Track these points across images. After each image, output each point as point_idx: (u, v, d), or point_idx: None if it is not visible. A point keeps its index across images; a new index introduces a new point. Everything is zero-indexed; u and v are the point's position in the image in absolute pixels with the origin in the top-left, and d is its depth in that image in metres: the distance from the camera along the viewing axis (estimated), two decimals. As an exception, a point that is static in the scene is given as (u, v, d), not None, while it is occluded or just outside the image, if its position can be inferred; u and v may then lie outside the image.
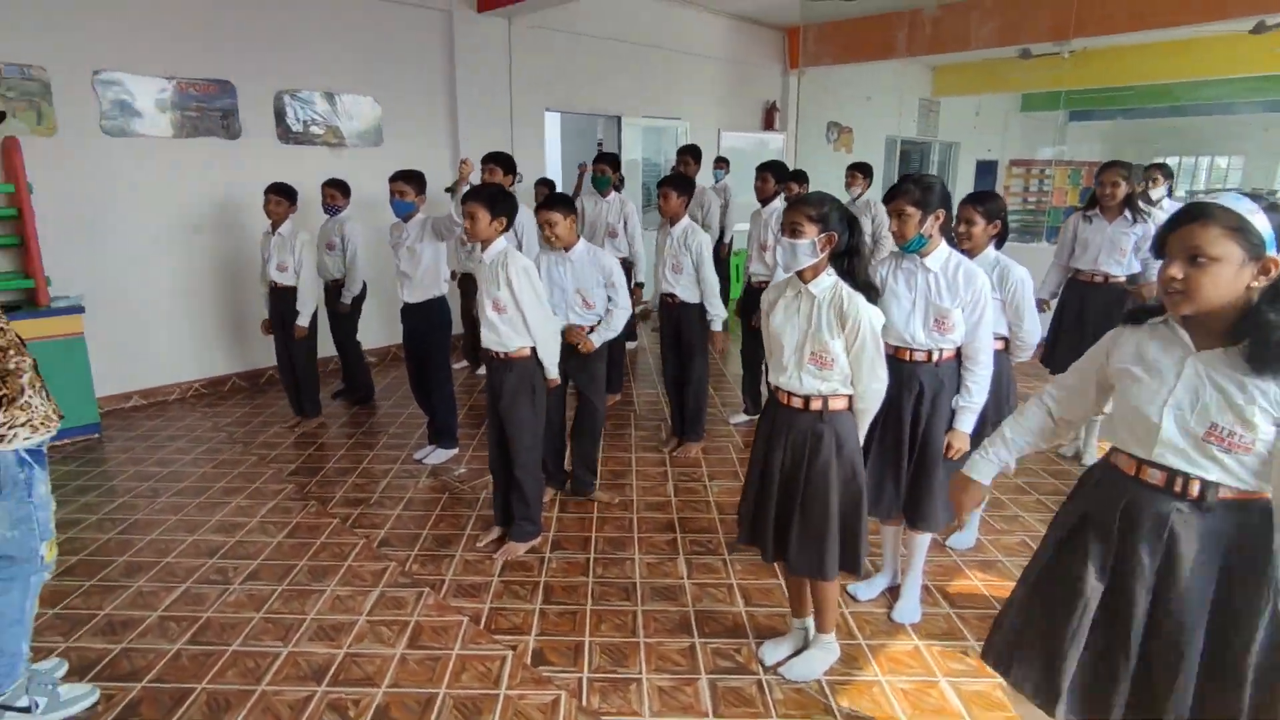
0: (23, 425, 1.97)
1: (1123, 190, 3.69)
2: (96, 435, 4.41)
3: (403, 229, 3.91)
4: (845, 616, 2.63)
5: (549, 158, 7.61)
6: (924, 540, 2.62)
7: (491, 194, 2.93)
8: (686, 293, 3.89)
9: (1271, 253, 1.30)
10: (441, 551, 3.10)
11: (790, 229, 2.05)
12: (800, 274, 2.10)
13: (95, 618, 2.61)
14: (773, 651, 2.40)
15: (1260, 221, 1.29)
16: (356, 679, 2.30)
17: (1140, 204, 3.77)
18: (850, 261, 2.09)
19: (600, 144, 8.10)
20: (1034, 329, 2.67)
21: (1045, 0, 6.99)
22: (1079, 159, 11.20)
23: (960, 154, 11.99)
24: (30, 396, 2.02)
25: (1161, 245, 1.39)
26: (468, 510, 3.47)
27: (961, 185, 12.09)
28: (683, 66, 8.15)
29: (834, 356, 2.07)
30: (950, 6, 7.67)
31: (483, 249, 2.96)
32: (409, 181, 3.85)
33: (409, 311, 3.97)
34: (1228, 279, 1.31)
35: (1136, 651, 1.43)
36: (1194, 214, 1.33)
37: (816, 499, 2.13)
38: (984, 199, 2.67)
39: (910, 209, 2.29)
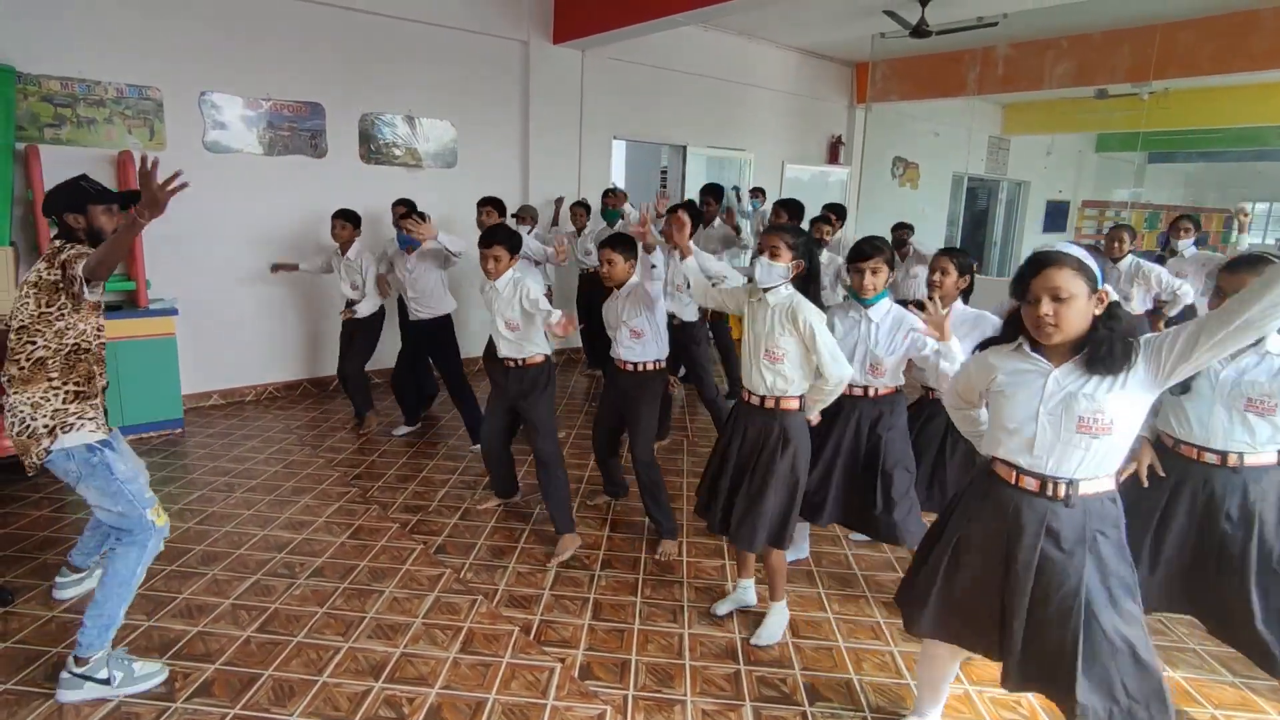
0: (90, 420, 2.23)
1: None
2: (180, 430, 4.69)
3: (406, 259, 4.39)
4: (894, 655, 2.60)
5: (614, 184, 7.79)
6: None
7: (508, 235, 3.25)
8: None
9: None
10: (495, 562, 3.18)
11: (770, 252, 2.40)
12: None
13: (174, 600, 2.78)
14: (722, 606, 2.82)
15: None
16: (411, 678, 2.38)
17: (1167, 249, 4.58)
18: (810, 285, 2.46)
19: (664, 172, 8.25)
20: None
21: (1124, 41, 6.86)
22: (1157, 202, 10.84)
23: (1030, 193, 11.72)
24: (99, 406, 2.28)
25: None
26: (521, 524, 3.56)
27: (1031, 225, 11.80)
28: (749, 99, 8.26)
29: (784, 351, 2.41)
30: (1024, 45, 7.59)
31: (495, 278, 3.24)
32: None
33: (419, 327, 4.46)
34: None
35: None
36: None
37: (758, 484, 2.48)
38: (957, 253, 2.85)
39: (885, 267, 2.59)
